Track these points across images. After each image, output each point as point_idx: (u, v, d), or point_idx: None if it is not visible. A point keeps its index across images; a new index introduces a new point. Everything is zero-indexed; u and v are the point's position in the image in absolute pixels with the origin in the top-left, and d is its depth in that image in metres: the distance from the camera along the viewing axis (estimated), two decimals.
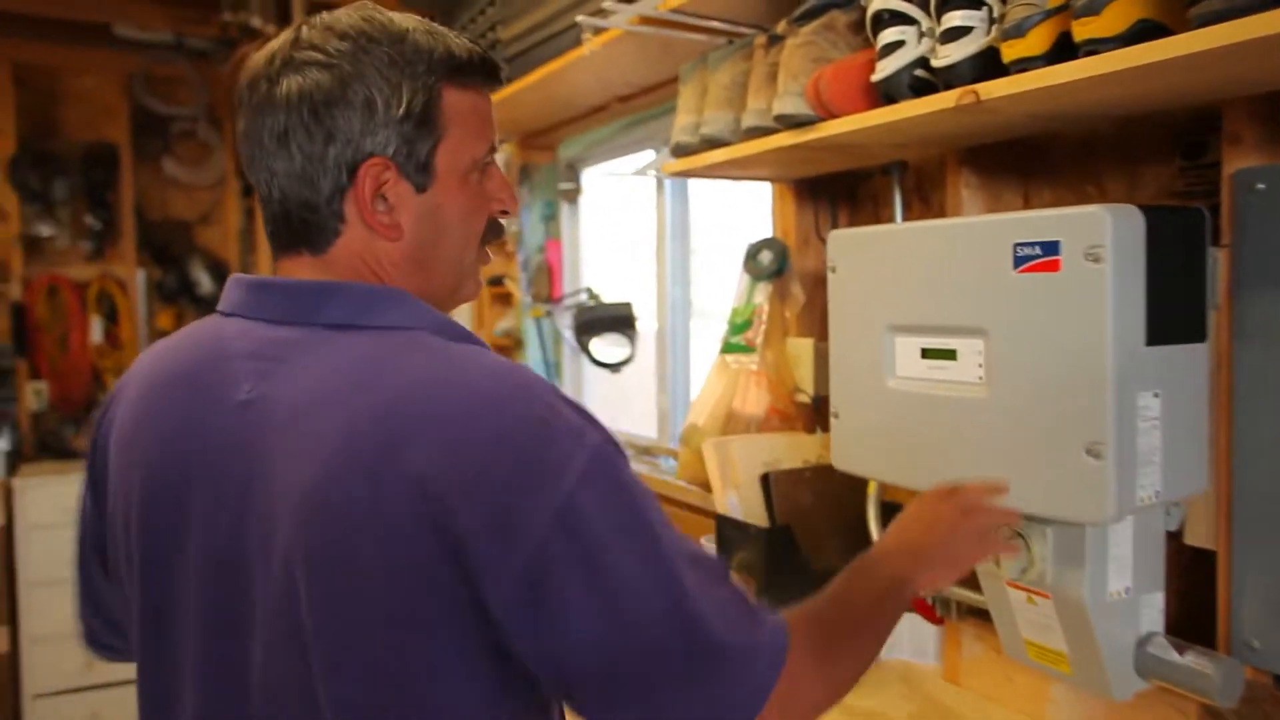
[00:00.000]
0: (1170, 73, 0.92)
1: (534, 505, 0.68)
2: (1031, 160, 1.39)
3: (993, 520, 1.03)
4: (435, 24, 0.83)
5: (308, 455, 0.72)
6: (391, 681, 0.71)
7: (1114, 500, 0.98)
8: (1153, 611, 1.12)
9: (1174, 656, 1.09)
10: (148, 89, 3.89)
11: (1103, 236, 0.97)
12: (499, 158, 0.90)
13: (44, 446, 3.77)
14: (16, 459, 3.60)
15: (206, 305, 4.06)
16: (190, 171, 4.07)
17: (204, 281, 4.01)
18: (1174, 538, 1.15)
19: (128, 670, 3.25)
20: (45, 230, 3.81)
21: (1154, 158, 1.23)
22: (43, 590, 3.23)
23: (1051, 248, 1.01)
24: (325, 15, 0.80)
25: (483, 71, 0.83)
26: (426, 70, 0.78)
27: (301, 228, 0.81)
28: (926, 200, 1.59)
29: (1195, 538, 1.14)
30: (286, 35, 0.81)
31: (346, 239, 0.81)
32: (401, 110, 0.77)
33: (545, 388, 0.75)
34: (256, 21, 3.12)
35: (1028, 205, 1.41)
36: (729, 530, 1.57)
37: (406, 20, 0.80)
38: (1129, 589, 1.10)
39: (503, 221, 0.90)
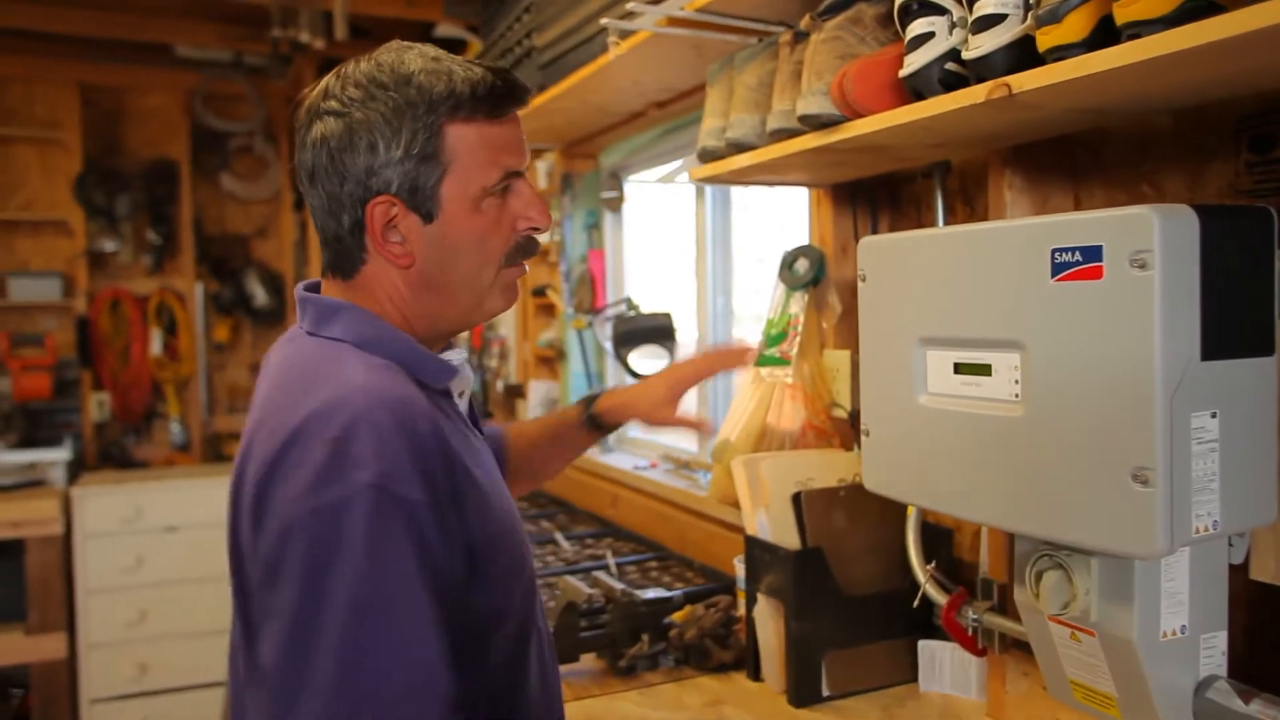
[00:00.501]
0: (1227, 56, 0.83)
1: (284, 506, 0.75)
2: (1082, 159, 1.29)
3: None
4: (447, 58, 0.89)
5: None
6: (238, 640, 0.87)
7: (1164, 531, 0.89)
8: (1214, 653, 1.02)
9: (1238, 704, 0.98)
10: (206, 106, 3.97)
11: (1150, 240, 0.87)
12: (542, 166, 0.93)
13: (105, 456, 3.86)
14: (78, 468, 3.70)
15: (262, 317, 4.13)
16: (247, 186, 4.14)
17: (259, 294, 4.07)
18: (1239, 571, 1.04)
19: (179, 678, 3.31)
20: (109, 245, 3.92)
21: (1217, 153, 1.13)
22: (99, 598, 3.30)
23: (1093, 253, 0.92)
24: (350, 64, 0.90)
25: (489, 102, 0.87)
26: (427, 110, 0.85)
27: (334, 255, 0.92)
28: (971, 204, 1.50)
29: (1262, 572, 1.04)
30: (321, 83, 0.91)
31: (370, 267, 0.91)
32: (401, 151, 0.85)
33: (364, 415, 0.77)
34: (305, 36, 3.16)
35: (1078, 208, 1.32)
36: (757, 552, 1.49)
37: (416, 60, 0.87)
38: (1185, 628, 1.00)
39: (537, 237, 0.95)
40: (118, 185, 3.91)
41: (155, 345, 3.93)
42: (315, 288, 0.95)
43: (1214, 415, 0.92)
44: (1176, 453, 0.89)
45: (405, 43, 0.90)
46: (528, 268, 0.97)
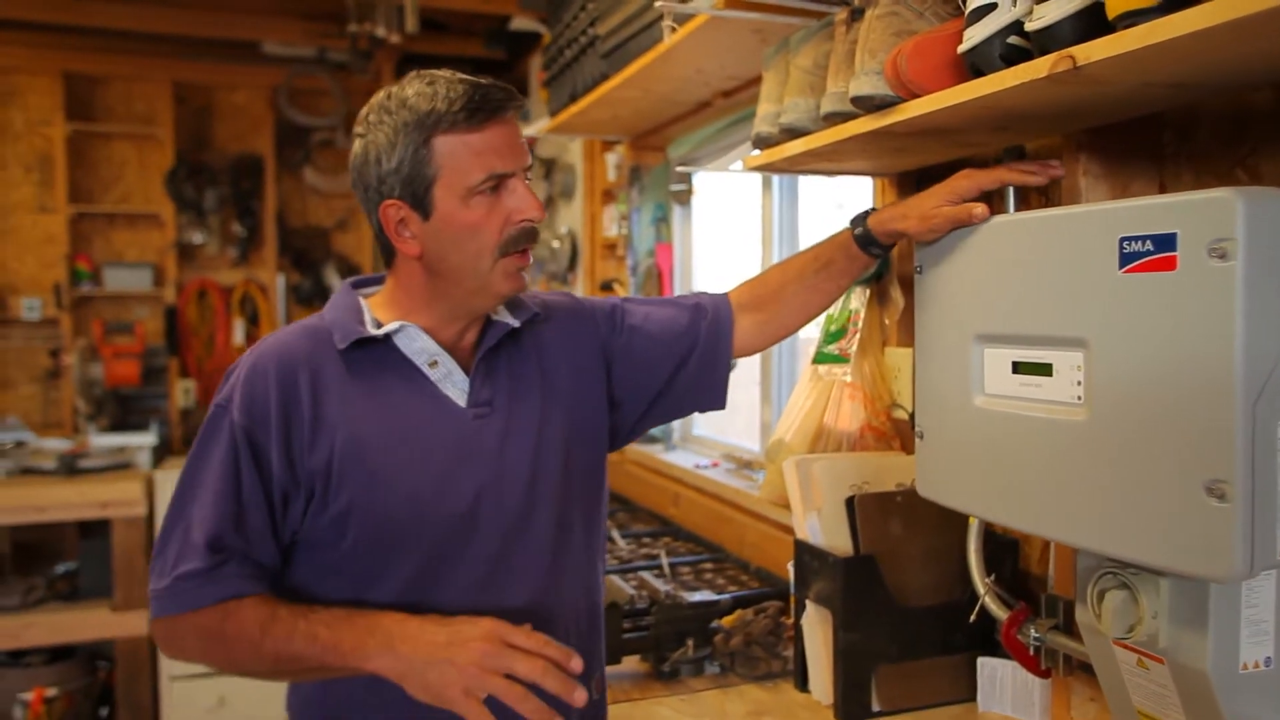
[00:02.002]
0: None
1: None
2: (1169, 142, 1.19)
3: (501, 692, 0.93)
4: (444, 82, 1.04)
5: None
6: None
7: (1242, 552, 0.80)
8: None
9: None
10: (290, 102, 4.07)
11: (1231, 227, 0.78)
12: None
13: (190, 441, 3.99)
14: (164, 452, 3.83)
15: None
16: (328, 180, 4.23)
17: (337, 285, 4.15)
18: None
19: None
20: (197, 237, 4.05)
21: None
22: None
23: (1166, 242, 0.83)
24: (378, 94, 1.08)
25: (465, 113, 1.02)
26: (415, 128, 1.03)
27: (380, 248, 1.13)
28: (1045, 193, 1.40)
29: None
30: (364, 106, 1.10)
31: (399, 257, 1.10)
32: (397, 162, 1.04)
33: (256, 356, 1.06)
34: (381, 31, 3.19)
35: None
36: (807, 557, 1.42)
37: (414, 86, 1.04)
38: (1270, 660, 0.90)
39: (534, 227, 1.08)
40: (206, 179, 4.04)
41: (238, 335, 4.05)
42: (361, 283, 1.19)
43: None
44: (1260, 465, 0.80)
45: (423, 72, 1.07)
46: (531, 258, 1.10)
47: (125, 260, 4.01)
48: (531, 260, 1.11)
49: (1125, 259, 0.87)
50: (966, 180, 1.08)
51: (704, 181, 2.79)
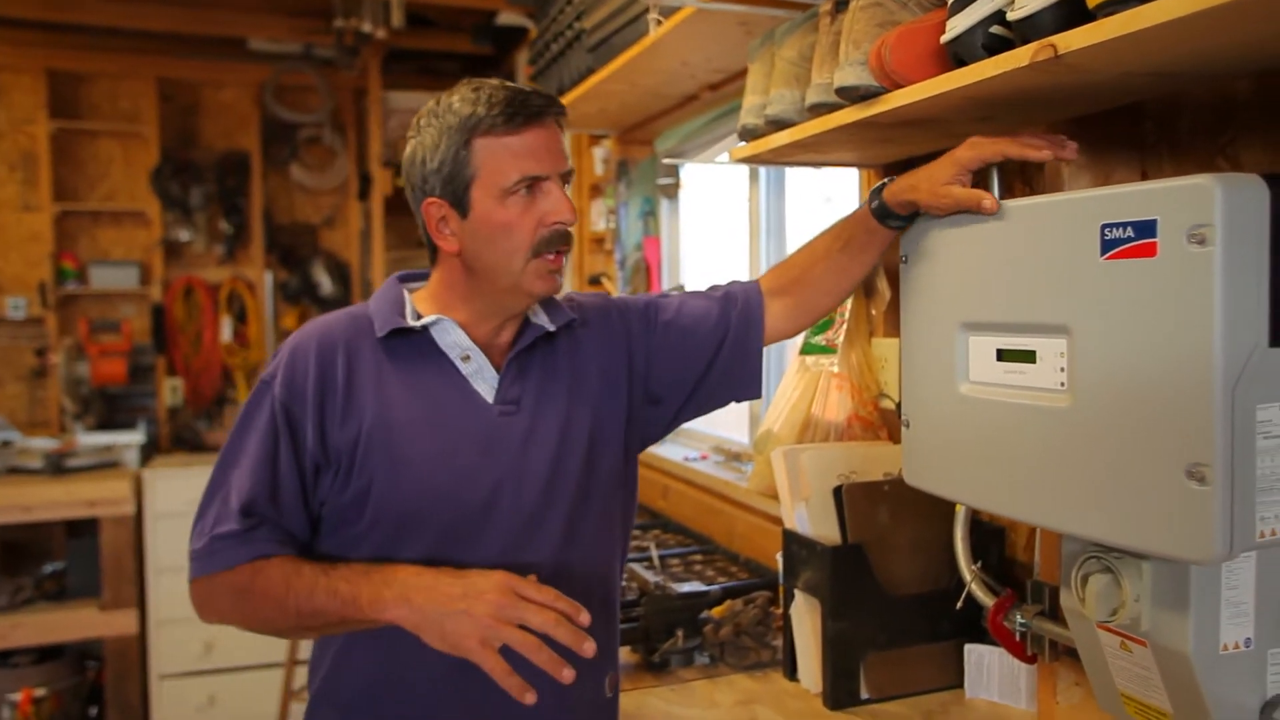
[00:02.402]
0: None
1: None
2: (1150, 131, 1.20)
3: (517, 642, 0.96)
4: (488, 88, 1.09)
5: None
6: None
7: (1222, 534, 0.81)
8: None
9: None
10: (276, 98, 4.05)
11: (1210, 213, 0.79)
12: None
13: (178, 439, 3.98)
14: (152, 451, 3.81)
15: (328, 305, 4.19)
16: (315, 176, 4.22)
17: (325, 283, 4.14)
18: None
19: (243, 656, 3.43)
20: (184, 235, 4.03)
21: None
22: (169, 576, 3.40)
23: (1146, 228, 0.84)
24: (430, 101, 1.13)
25: (504, 117, 1.07)
26: (457, 131, 1.08)
27: (426, 241, 1.17)
28: (1030, 182, 1.41)
29: None
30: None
31: (441, 254, 1.16)
32: (437, 163, 1.10)
33: (301, 336, 1.14)
34: (367, 26, 3.18)
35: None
36: (795, 547, 1.43)
37: (461, 92, 1.10)
38: (1250, 641, 0.91)
39: (566, 230, 1.12)
40: (192, 177, 4.02)
41: (226, 332, 4.03)
42: (408, 277, 1.24)
43: None
44: (1239, 448, 0.81)
45: (474, 80, 1.12)
46: (565, 258, 1.13)
47: (111, 258, 3.98)
48: (565, 263, 1.14)
49: (1106, 246, 0.87)
50: (969, 150, 1.07)
51: (691, 175, 2.79)
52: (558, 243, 1.11)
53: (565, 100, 2.40)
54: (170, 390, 3.96)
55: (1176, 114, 1.17)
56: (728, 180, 2.63)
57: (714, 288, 1.33)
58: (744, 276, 2.32)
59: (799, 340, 1.71)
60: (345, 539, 1.11)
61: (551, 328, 1.19)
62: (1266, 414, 0.82)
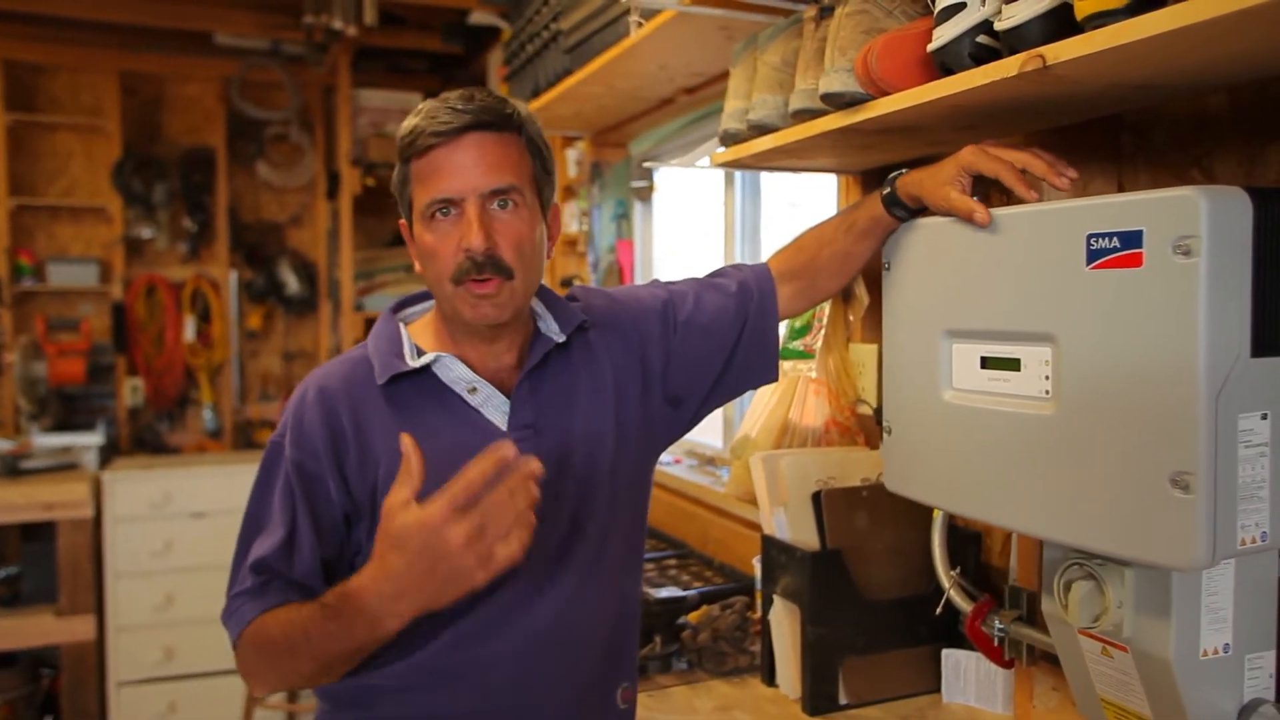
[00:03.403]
0: None
1: None
2: (1127, 142, 1.21)
3: (501, 538, 0.89)
4: (432, 104, 1.06)
5: None
6: None
7: (1205, 542, 0.82)
8: (1260, 674, 0.94)
9: None
10: (243, 95, 3.98)
11: (1196, 225, 0.80)
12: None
13: (139, 441, 3.90)
14: (112, 453, 3.73)
15: (294, 306, 4.14)
16: (282, 174, 4.15)
17: (291, 282, 4.08)
18: None
19: (204, 663, 3.36)
20: (146, 232, 3.94)
21: (1279, 134, 1.04)
22: (128, 581, 3.32)
23: (1132, 239, 0.85)
24: None
25: (416, 139, 1.04)
26: (401, 152, 1.08)
27: None
28: (1007, 191, 1.42)
29: None
30: None
31: None
32: (396, 188, 1.11)
33: (302, 392, 1.10)
34: (338, 23, 3.14)
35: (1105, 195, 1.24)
36: (774, 552, 1.43)
37: (417, 111, 1.07)
38: (1228, 647, 0.92)
39: (478, 259, 1.03)
40: (155, 173, 3.93)
41: (189, 332, 3.96)
42: (404, 304, 1.22)
43: (1264, 417, 0.84)
44: (1221, 457, 0.82)
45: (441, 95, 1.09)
46: (503, 284, 1.04)
47: (70, 255, 3.89)
48: (500, 290, 1.04)
49: (1092, 255, 0.88)
50: (971, 156, 1.05)
51: (665, 178, 2.79)
52: (471, 271, 1.03)
53: (540, 102, 2.38)
54: (131, 390, 3.87)
55: (1153, 126, 1.18)
56: (701, 183, 2.63)
57: (725, 274, 1.29)
58: None
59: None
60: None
61: (561, 337, 1.14)
62: (1247, 423, 0.84)
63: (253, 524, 1.09)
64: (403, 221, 1.12)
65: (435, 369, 1.10)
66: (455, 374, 1.10)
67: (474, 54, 3.89)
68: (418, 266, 1.11)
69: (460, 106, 1.04)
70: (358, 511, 1.07)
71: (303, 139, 4.15)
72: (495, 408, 1.10)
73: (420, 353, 1.10)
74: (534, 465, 0.90)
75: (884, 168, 1.55)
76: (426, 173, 1.05)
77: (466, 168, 1.03)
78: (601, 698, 1.17)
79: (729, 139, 1.44)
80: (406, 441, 0.91)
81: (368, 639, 0.96)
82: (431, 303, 1.18)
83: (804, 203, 2.23)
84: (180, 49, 3.94)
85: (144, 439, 3.91)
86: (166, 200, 3.94)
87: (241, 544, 1.09)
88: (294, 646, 1.00)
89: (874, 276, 1.61)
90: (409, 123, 1.06)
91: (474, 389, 1.10)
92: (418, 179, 1.06)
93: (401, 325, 1.15)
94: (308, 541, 1.06)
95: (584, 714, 1.15)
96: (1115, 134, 1.23)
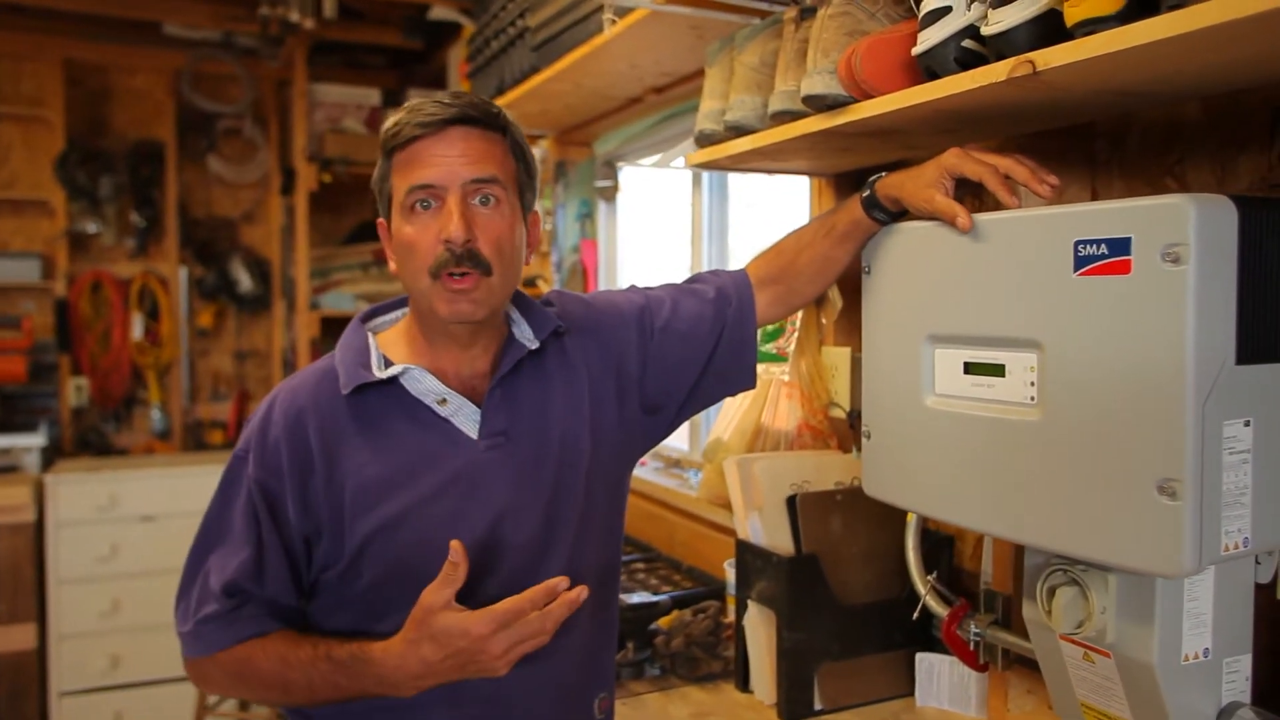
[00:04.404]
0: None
1: None
2: (1101, 149, 1.22)
3: (532, 649, 0.98)
4: (416, 100, 1.05)
5: None
6: None
7: (1192, 549, 0.82)
8: (1237, 678, 0.95)
9: None
10: (194, 87, 3.88)
11: (1185, 233, 0.81)
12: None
13: (83, 442, 3.78)
14: (54, 454, 3.61)
15: (247, 304, 4.04)
16: (234, 169, 4.05)
17: (244, 280, 3.98)
18: (1262, 591, 0.97)
19: (152, 670, 3.25)
20: (91, 227, 3.82)
21: (1249, 144, 1.06)
22: (71, 587, 3.21)
23: (1121, 246, 0.85)
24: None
25: (399, 129, 1.04)
26: (381, 147, 1.07)
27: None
28: (979, 195, 1.42)
29: None
30: None
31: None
32: (376, 184, 1.09)
33: (268, 406, 1.08)
34: (295, 16, 3.07)
35: (1095, 201, 1.25)
36: (749, 557, 1.42)
37: (402, 107, 1.06)
38: (1208, 651, 0.93)
39: (457, 251, 1.02)
40: (101, 166, 3.81)
41: (136, 330, 3.84)
42: (374, 313, 1.19)
43: (1247, 424, 0.85)
44: (1207, 464, 0.82)
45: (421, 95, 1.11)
46: (481, 279, 1.03)
47: (10, 250, 3.75)
48: (477, 286, 1.03)
49: (1080, 262, 0.88)
50: (955, 159, 1.05)
51: (630, 178, 2.77)
52: (449, 264, 1.02)
53: (505, 100, 2.35)
54: (75, 390, 3.75)
55: (1126, 133, 1.19)
56: (667, 184, 2.62)
57: (703, 280, 1.28)
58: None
59: None
60: (335, 601, 1.08)
61: (535, 344, 1.12)
62: (1231, 430, 0.84)
63: (211, 534, 1.08)
64: (381, 220, 1.10)
65: (403, 381, 1.07)
66: (424, 386, 1.08)
67: (434, 50, 3.83)
68: (393, 266, 1.09)
69: (447, 101, 1.04)
70: (318, 532, 1.06)
71: (256, 134, 4.05)
72: (466, 417, 1.09)
73: (388, 363, 1.08)
74: (581, 593, 0.97)
75: (859, 171, 1.55)
76: (408, 162, 1.04)
77: (451, 157, 1.03)
78: (579, 707, 1.15)
79: (705, 140, 1.43)
80: (456, 548, 0.95)
81: (376, 694, 1.00)
82: (402, 311, 1.16)
83: (761, 203, 2.24)
84: (127, 39, 3.82)
85: (89, 440, 3.78)
86: (113, 194, 3.82)
87: (197, 553, 1.08)
88: (289, 684, 1.02)
89: (847, 280, 1.61)
90: (394, 117, 1.05)
91: (444, 400, 1.08)
92: (399, 170, 1.05)
93: (370, 335, 1.12)
94: (276, 560, 1.05)
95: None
96: (1089, 141, 1.24)
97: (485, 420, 1.08)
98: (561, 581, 0.97)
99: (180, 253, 3.96)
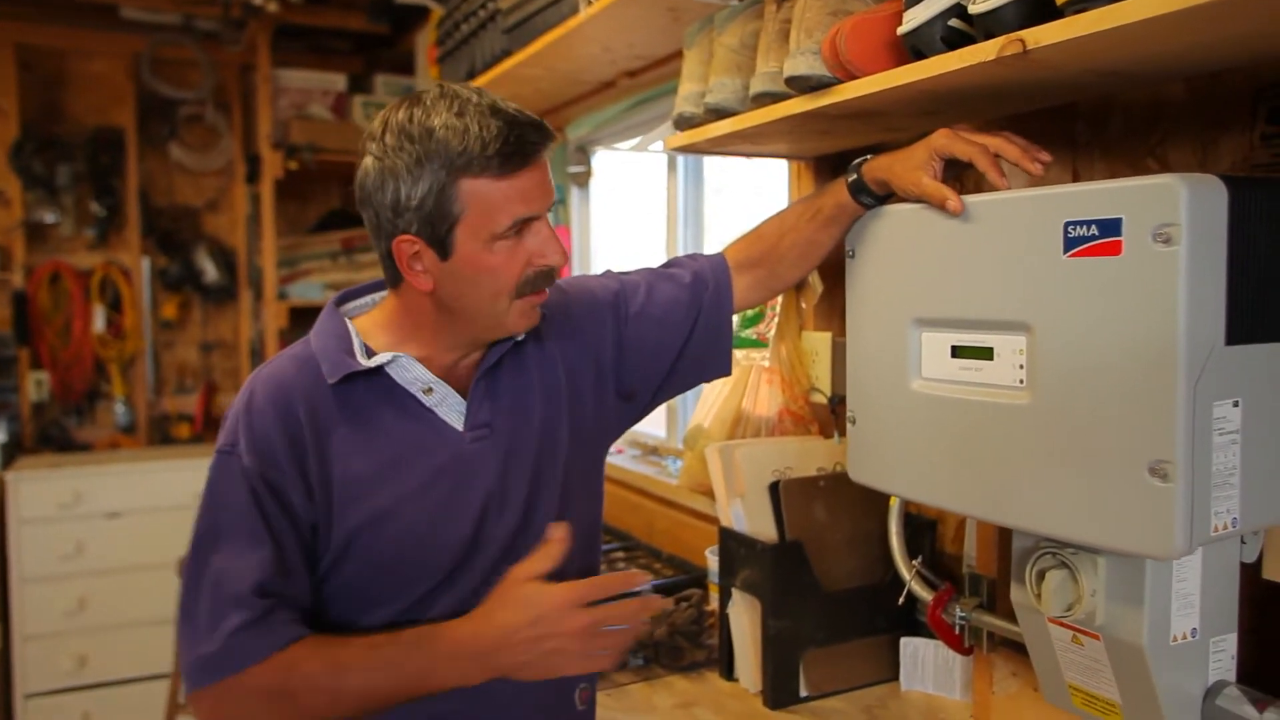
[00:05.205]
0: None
1: None
2: (1082, 130, 1.22)
3: (615, 644, 0.96)
4: (474, 110, 0.96)
5: None
6: None
7: (1183, 530, 0.82)
8: (1223, 657, 0.96)
9: (1250, 711, 0.92)
10: (154, 72, 3.78)
11: (1176, 213, 0.80)
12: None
13: (45, 438, 3.69)
14: (15, 451, 3.52)
15: (212, 294, 3.96)
16: (197, 157, 3.96)
17: (209, 270, 3.90)
18: (1246, 570, 0.97)
19: (120, 670, 3.18)
20: (49, 216, 3.72)
21: (1232, 125, 1.05)
22: (35, 586, 3.13)
23: (1112, 227, 0.84)
24: (400, 109, 0.99)
25: (496, 161, 0.95)
26: (441, 166, 0.96)
27: (383, 268, 1.06)
28: (960, 178, 1.42)
29: (1276, 572, 0.97)
30: (379, 116, 1.01)
31: (406, 284, 1.04)
32: (419, 200, 0.97)
33: (250, 395, 1.02)
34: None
35: (1076, 182, 1.24)
36: (733, 545, 1.41)
37: (443, 114, 0.96)
38: (1196, 631, 0.93)
39: (553, 270, 1.03)
40: (58, 154, 3.71)
41: (98, 322, 3.75)
42: (349, 296, 1.14)
43: (1236, 404, 0.85)
44: (1198, 445, 0.82)
45: (451, 87, 0.99)
46: (547, 293, 1.06)
47: None
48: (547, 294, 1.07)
49: (1070, 243, 0.87)
50: (944, 139, 1.03)
51: (603, 163, 2.74)
52: (543, 282, 1.03)
53: (476, 84, 2.30)
54: (35, 384, 3.65)
55: (1108, 115, 1.19)
56: (641, 169, 2.59)
57: (679, 264, 1.27)
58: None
59: None
60: (323, 593, 1.03)
61: (518, 337, 1.11)
62: (1221, 411, 0.84)
63: (210, 542, 0.98)
64: (410, 237, 0.99)
65: (390, 369, 1.05)
66: (412, 374, 1.05)
67: (402, 34, 3.77)
68: (427, 284, 1.01)
69: (531, 125, 0.98)
70: (316, 522, 1.01)
71: (219, 120, 3.97)
72: (451, 408, 1.07)
73: (370, 351, 1.05)
74: (658, 603, 0.99)
75: (839, 154, 1.54)
76: (507, 194, 0.97)
77: (545, 186, 1.01)
78: (560, 698, 1.14)
79: (684, 123, 1.41)
80: (559, 529, 0.97)
81: (441, 683, 0.95)
82: (377, 296, 1.13)
83: (729, 188, 2.23)
84: (84, 22, 3.72)
85: (50, 436, 3.69)
86: (71, 183, 3.72)
87: (198, 566, 0.98)
88: (340, 690, 0.94)
89: (827, 265, 1.60)
90: (468, 137, 0.95)
91: (429, 389, 1.06)
92: (483, 200, 0.97)
93: (348, 321, 1.08)
94: (294, 553, 1.00)
95: (542, 715, 1.12)
96: (1071, 123, 1.23)
97: (470, 412, 1.07)
98: (640, 576, 0.97)
99: (142, 242, 3.87)
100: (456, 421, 1.06)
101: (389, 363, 1.04)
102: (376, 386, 1.04)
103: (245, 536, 0.97)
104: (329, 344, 1.04)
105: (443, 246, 0.99)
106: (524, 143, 0.97)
